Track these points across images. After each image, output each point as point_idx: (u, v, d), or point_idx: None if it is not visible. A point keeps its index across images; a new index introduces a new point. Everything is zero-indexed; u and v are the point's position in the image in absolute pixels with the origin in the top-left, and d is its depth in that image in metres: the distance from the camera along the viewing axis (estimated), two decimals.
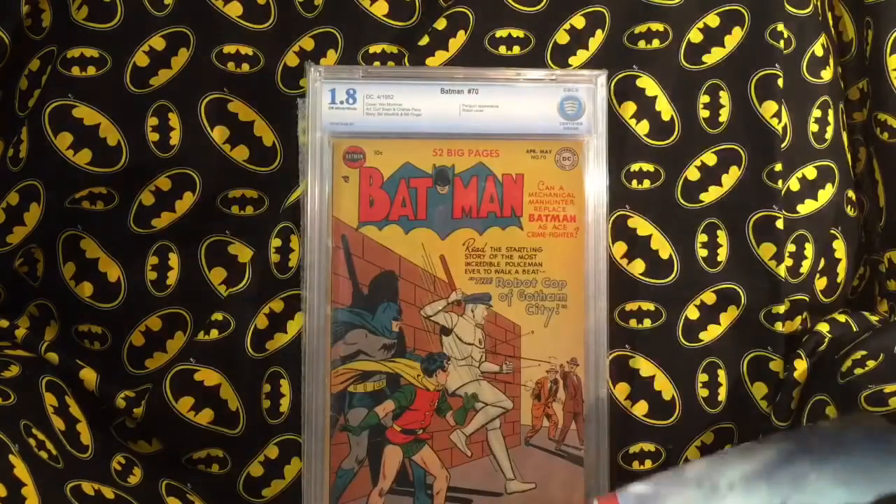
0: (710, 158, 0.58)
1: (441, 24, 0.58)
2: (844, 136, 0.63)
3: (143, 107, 0.55)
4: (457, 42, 0.57)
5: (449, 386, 0.55)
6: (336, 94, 0.55)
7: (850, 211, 0.62)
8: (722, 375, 0.58)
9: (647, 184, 0.58)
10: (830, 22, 0.63)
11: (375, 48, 0.58)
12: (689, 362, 0.58)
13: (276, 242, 0.56)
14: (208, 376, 0.55)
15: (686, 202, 0.58)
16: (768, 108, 0.58)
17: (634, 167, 0.58)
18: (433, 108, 0.56)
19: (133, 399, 0.55)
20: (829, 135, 0.61)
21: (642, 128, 0.58)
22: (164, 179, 0.56)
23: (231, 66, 0.56)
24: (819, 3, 0.62)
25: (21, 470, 0.46)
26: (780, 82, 0.58)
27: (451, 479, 0.55)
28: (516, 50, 0.58)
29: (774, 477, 0.48)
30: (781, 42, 0.59)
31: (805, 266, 0.59)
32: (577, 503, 0.55)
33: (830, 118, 0.61)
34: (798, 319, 0.59)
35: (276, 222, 0.56)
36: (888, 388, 0.49)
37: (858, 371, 0.53)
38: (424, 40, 0.57)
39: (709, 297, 0.58)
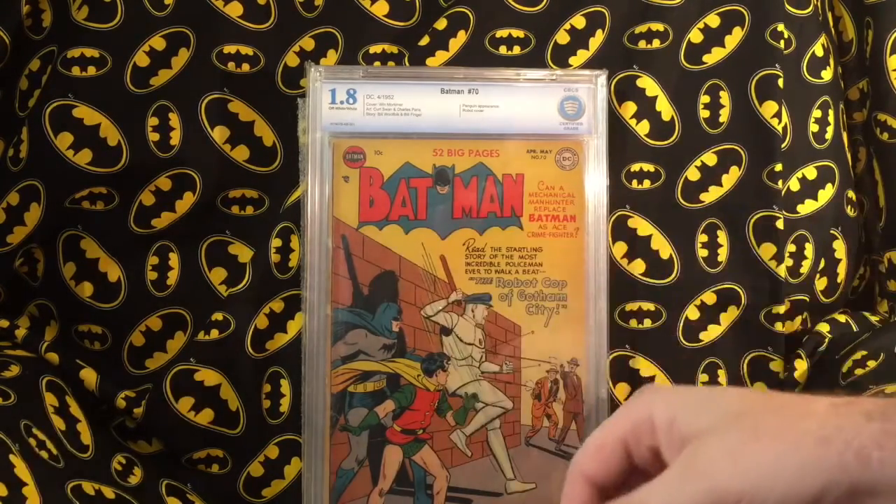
0: (710, 158, 0.58)
1: (441, 24, 0.58)
2: (844, 136, 0.63)
3: (143, 107, 0.55)
4: (457, 42, 0.57)
5: (449, 386, 0.55)
6: (336, 94, 0.55)
7: (850, 211, 0.62)
8: (722, 376, 0.58)
9: (647, 184, 0.58)
10: (830, 22, 0.63)
11: (376, 48, 0.58)
12: (689, 362, 0.58)
13: (276, 242, 0.56)
14: (208, 376, 0.55)
15: (686, 202, 0.58)
16: (768, 109, 0.58)
17: (635, 167, 0.58)
18: (433, 108, 0.55)
19: (133, 399, 0.55)
20: (829, 135, 0.61)
21: (642, 128, 0.58)
22: (165, 179, 0.56)
23: (231, 66, 0.56)
24: (819, 4, 0.62)
25: (22, 469, 0.46)
26: (781, 82, 0.58)
27: (451, 479, 0.55)
28: (516, 50, 0.58)
29: None
30: (782, 42, 0.59)
31: (805, 266, 0.59)
32: None
33: (831, 118, 0.61)
34: (798, 319, 0.59)
35: (276, 222, 0.56)
36: (889, 389, 0.49)
37: (859, 371, 0.53)
38: (425, 40, 0.57)
39: (709, 297, 0.58)
